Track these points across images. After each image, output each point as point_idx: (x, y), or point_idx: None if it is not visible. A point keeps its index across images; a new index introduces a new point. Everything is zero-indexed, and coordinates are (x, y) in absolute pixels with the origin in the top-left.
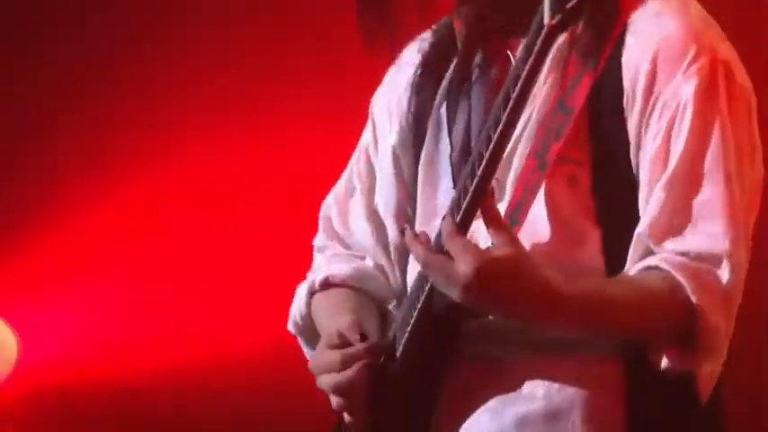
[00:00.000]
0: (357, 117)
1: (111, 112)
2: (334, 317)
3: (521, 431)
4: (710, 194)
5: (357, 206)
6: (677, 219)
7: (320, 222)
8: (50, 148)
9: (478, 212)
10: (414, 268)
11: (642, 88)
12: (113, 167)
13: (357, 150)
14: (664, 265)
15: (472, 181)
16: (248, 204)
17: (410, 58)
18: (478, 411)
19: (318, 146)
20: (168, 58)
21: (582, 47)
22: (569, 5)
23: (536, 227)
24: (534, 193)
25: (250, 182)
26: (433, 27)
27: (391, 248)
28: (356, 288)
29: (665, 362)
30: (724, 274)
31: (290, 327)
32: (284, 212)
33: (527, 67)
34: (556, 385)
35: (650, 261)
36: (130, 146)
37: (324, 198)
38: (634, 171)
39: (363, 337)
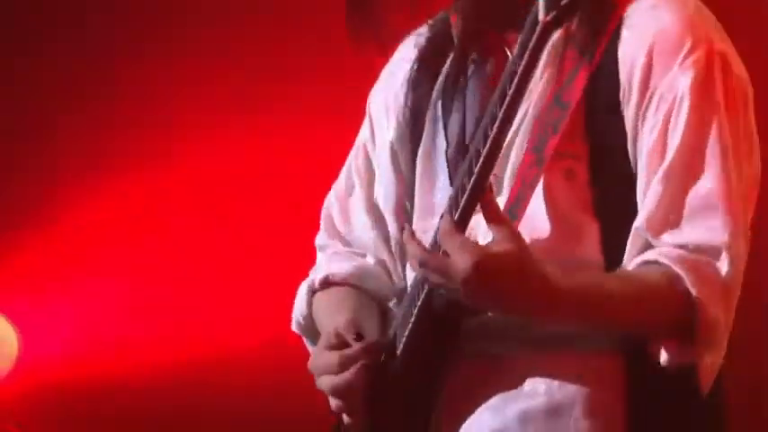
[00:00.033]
0: (357, 116)
1: (111, 112)
2: (333, 316)
3: (523, 427)
4: (708, 187)
5: (357, 202)
6: (675, 212)
7: (322, 221)
8: (51, 146)
9: (477, 208)
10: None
11: (638, 81)
12: (113, 166)
13: (355, 147)
14: (662, 259)
15: (470, 178)
16: (248, 203)
17: (407, 53)
18: (480, 409)
19: (318, 145)
20: (168, 58)
21: (578, 41)
22: (564, 2)
23: (534, 222)
24: (532, 188)
25: (250, 180)
26: (430, 22)
27: (392, 243)
28: (357, 286)
29: (664, 355)
30: (723, 266)
31: (294, 327)
32: (284, 211)
33: (522, 64)
34: (556, 382)
35: (649, 255)
36: (130, 144)
37: (324, 197)
38: (632, 164)
39: (360, 337)
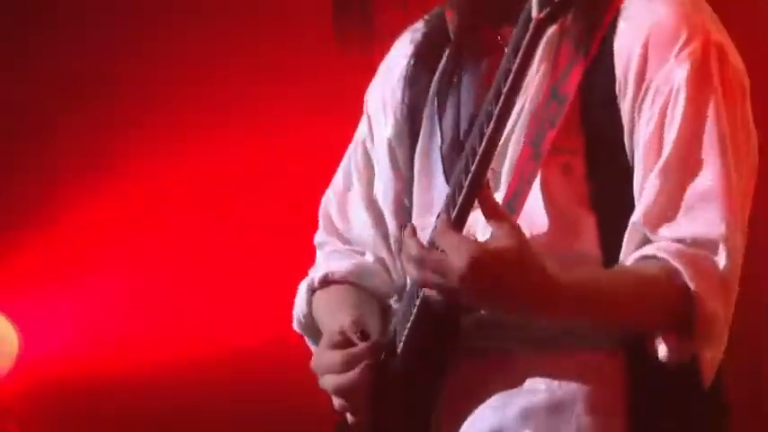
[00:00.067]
0: (357, 114)
1: (111, 112)
2: (334, 314)
3: (524, 423)
4: (705, 180)
5: (356, 199)
6: (672, 205)
7: (320, 218)
8: (50, 146)
9: (475, 204)
10: None
11: (634, 74)
12: (113, 165)
13: (353, 143)
14: (660, 254)
15: (467, 176)
16: (248, 201)
17: (403, 49)
18: (480, 408)
19: (319, 143)
20: (168, 58)
21: (573, 35)
22: None
23: (532, 217)
24: (530, 183)
25: (250, 179)
26: (425, 17)
27: (391, 240)
28: (356, 284)
29: (663, 350)
30: (721, 259)
31: (295, 326)
32: (284, 209)
33: (516, 62)
34: (557, 379)
35: (647, 250)
36: (130, 144)
37: (324, 194)
38: (629, 158)
39: (364, 336)
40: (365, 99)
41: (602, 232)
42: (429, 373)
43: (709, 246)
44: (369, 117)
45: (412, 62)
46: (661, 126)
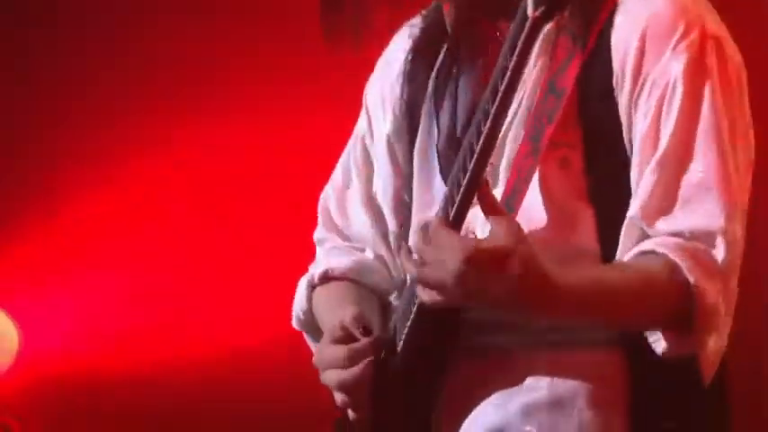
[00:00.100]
0: (358, 112)
1: (112, 102)
2: (334, 311)
3: (526, 420)
4: (703, 172)
5: (355, 196)
6: (669, 198)
7: (319, 214)
8: (51, 138)
9: (474, 201)
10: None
11: (631, 67)
12: (113, 159)
13: (352, 139)
14: (659, 249)
15: (465, 174)
16: (250, 197)
17: (402, 44)
18: (481, 405)
19: (319, 138)
20: (169, 48)
21: (570, 29)
22: None
23: (530, 212)
24: (529, 179)
25: (251, 175)
26: (423, 12)
27: (391, 237)
28: (356, 281)
29: (663, 345)
30: (719, 252)
31: (294, 322)
32: (285, 206)
33: (513, 60)
34: (558, 376)
35: (645, 246)
36: (131, 136)
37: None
38: (627, 151)
39: (366, 331)
40: (364, 94)
41: (600, 226)
42: (429, 371)
43: (708, 238)
44: (368, 112)
45: (410, 58)
46: (658, 119)
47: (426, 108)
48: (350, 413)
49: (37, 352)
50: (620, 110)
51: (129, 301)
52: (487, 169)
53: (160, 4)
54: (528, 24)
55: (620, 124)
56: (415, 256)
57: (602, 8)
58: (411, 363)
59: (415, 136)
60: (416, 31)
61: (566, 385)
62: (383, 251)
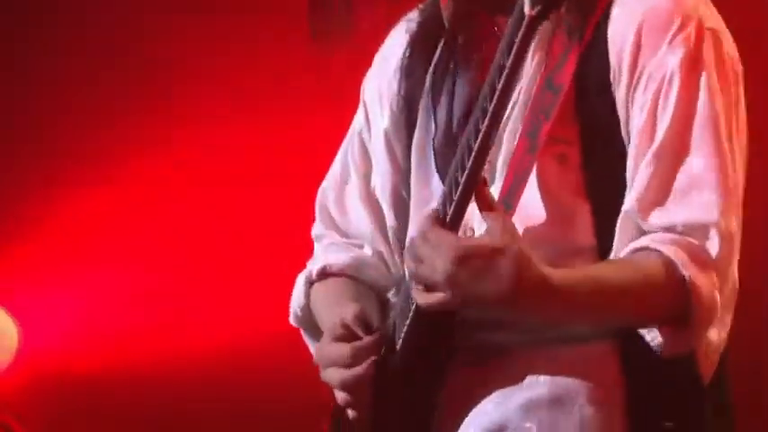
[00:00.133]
0: (356, 106)
1: (112, 102)
2: (332, 308)
3: (526, 416)
4: (698, 165)
5: (353, 191)
6: (664, 191)
7: (317, 210)
8: (50, 138)
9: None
10: None
11: (627, 61)
12: (113, 158)
13: (350, 133)
14: (654, 245)
15: (463, 172)
16: (249, 195)
17: (399, 38)
18: (481, 403)
19: (318, 134)
20: (169, 48)
21: (567, 24)
22: None
23: (529, 210)
24: (527, 176)
25: (251, 172)
26: (420, 6)
27: (389, 234)
28: (354, 277)
29: (660, 342)
30: (714, 246)
31: (291, 319)
32: (285, 204)
33: (510, 59)
34: (557, 375)
35: (639, 243)
36: (131, 136)
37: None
38: (625, 146)
39: (369, 329)
40: (361, 88)
41: (596, 221)
42: (428, 370)
43: (702, 232)
44: (365, 107)
45: (407, 52)
46: (654, 112)
47: (423, 103)
48: (350, 412)
49: (36, 350)
50: (617, 104)
51: (129, 299)
52: (485, 167)
53: (160, 4)
54: (525, 23)
55: (617, 119)
56: (410, 249)
57: (598, 2)
58: (410, 361)
59: (413, 131)
60: (413, 25)
61: (566, 382)
62: (382, 247)
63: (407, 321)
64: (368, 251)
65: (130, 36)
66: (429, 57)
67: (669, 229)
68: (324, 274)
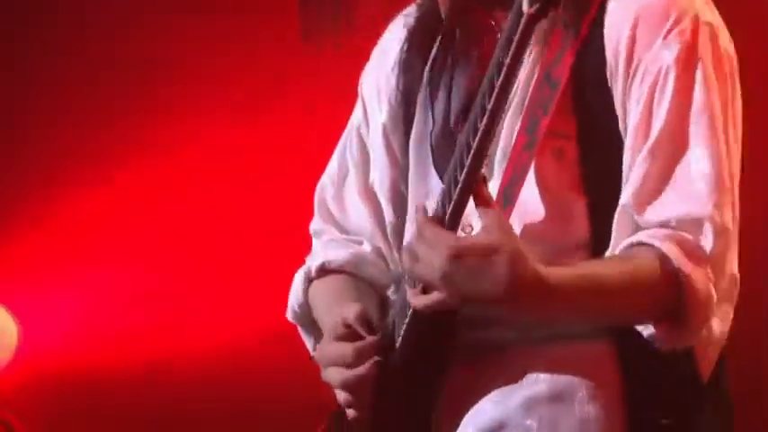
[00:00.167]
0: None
1: (112, 102)
2: (333, 307)
3: (527, 414)
4: (694, 159)
5: (352, 187)
6: (660, 186)
7: (315, 206)
8: (50, 138)
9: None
10: None
11: (624, 56)
12: (113, 156)
13: (348, 128)
14: (648, 240)
15: (462, 171)
16: (249, 195)
17: (397, 33)
18: (481, 402)
19: (318, 132)
20: (169, 48)
21: (564, 18)
22: None
23: (527, 206)
24: (525, 172)
25: (250, 171)
26: (418, 1)
27: (388, 229)
28: (353, 274)
29: (657, 337)
30: (708, 240)
31: (289, 315)
32: (285, 204)
33: (509, 57)
34: (556, 373)
35: (635, 238)
36: (131, 136)
37: None
38: (622, 141)
39: (371, 329)
40: (359, 83)
41: (593, 216)
42: (428, 370)
43: (696, 226)
44: (363, 102)
45: (405, 47)
46: (650, 106)
47: (421, 98)
48: (350, 412)
49: (36, 348)
50: (615, 101)
51: (129, 298)
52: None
53: (160, 4)
54: (523, 21)
55: (614, 114)
56: (407, 246)
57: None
58: (410, 360)
59: (411, 126)
60: (411, 20)
61: (565, 378)
62: (381, 243)
63: (406, 320)
64: (367, 247)
65: (130, 36)
66: (427, 52)
67: (664, 223)
68: (323, 270)
